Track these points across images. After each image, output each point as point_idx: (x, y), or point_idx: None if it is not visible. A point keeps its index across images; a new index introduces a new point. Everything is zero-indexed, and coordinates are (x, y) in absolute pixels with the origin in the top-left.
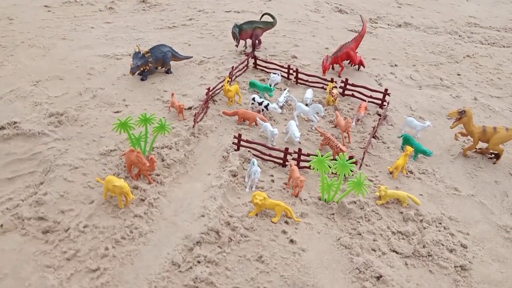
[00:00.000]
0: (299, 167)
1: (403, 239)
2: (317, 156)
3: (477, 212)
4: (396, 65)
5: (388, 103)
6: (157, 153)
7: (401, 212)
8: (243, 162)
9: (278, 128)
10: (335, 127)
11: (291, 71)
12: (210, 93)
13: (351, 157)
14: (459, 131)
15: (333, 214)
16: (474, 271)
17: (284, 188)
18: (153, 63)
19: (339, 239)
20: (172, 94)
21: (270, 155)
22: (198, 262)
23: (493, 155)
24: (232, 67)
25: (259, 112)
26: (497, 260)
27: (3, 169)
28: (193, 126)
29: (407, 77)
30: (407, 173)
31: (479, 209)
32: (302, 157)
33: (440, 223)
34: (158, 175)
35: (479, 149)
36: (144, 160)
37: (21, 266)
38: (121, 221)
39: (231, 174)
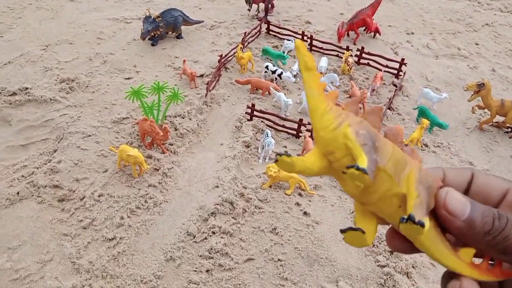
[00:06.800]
0: (313, 139)
1: None
2: None
3: None
4: (412, 33)
5: (404, 73)
6: (170, 122)
7: None
8: (256, 133)
9: (291, 97)
10: (350, 97)
11: (305, 38)
12: (223, 60)
13: None
14: (477, 104)
15: None
16: None
17: None
18: (163, 28)
19: (352, 212)
20: (184, 61)
21: (283, 126)
22: (213, 233)
23: (509, 129)
24: (245, 33)
25: (272, 81)
26: None
27: (16, 136)
28: (206, 95)
29: (424, 46)
30: (422, 146)
31: None
32: None
33: None
34: (171, 144)
35: (495, 122)
36: (157, 129)
37: (38, 233)
38: (136, 191)
39: (244, 145)
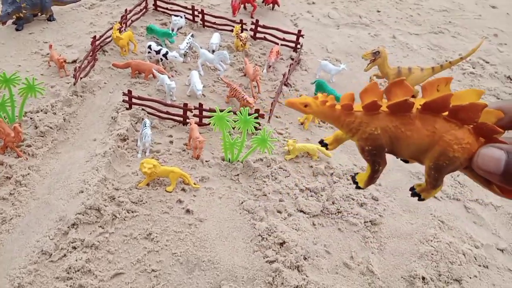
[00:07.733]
0: (202, 125)
1: (311, 196)
2: (215, 112)
3: (389, 160)
4: (313, 3)
5: (301, 45)
6: (30, 118)
7: (311, 167)
8: (136, 123)
9: (181, 80)
10: (245, 75)
11: (196, 13)
12: (98, 42)
13: (257, 111)
14: (375, 73)
15: (237, 175)
16: (384, 225)
17: (184, 150)
18: (28, 9)
19: (242, 203)
20: (50, 46)
21: (167, 113)
22: (74, 248)
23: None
24: (126, 10)
25: (157, 62)
26: (408, 210)
27: None
28: (74, 84)
29: (325, 16)
30: (319, 123)
31: (392, 156)
32: (204, 113)
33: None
34: (29, 146)
35: None
36: (7, 130)
37: None
38: None
39: (119, 139)
